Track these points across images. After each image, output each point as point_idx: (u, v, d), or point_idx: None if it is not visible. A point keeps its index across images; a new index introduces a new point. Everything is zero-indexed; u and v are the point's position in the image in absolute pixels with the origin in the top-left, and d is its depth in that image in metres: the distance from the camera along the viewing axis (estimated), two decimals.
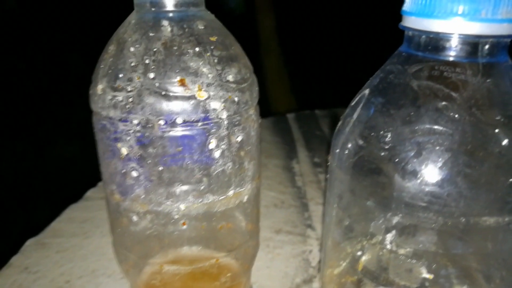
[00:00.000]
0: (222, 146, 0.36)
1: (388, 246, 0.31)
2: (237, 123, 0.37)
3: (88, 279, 0.54)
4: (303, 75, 2.09)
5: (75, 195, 0.75)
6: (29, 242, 0.62)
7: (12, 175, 1.61)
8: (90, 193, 0.76)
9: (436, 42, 0.27)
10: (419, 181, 0.27)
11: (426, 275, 0.32)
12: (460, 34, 0.26)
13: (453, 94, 0.27)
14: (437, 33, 0.27)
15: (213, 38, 0.36)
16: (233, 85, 0.36)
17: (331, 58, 2.08)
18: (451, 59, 0.27)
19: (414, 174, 0.27)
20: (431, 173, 0.27)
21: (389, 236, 0.31)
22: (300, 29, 2.07)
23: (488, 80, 0.27)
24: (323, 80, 2.11)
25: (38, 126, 1.78)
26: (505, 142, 0.26)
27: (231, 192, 0.38)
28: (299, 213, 0.71)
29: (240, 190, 0.38)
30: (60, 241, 0.62)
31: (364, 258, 0.34)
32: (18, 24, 1.86)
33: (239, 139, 0.37)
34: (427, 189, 0.27)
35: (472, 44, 0.26)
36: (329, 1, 2.01)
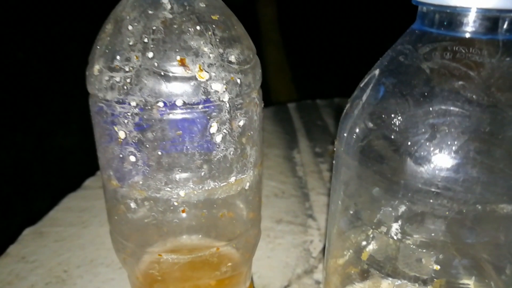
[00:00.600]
0: (224, 131, 0.35)
1: (396, 235, 0.30)
2: (239, 106, 0.35)
3: (86, 269, 0.54)
4: (304, 64, 2.08)
5: (74, 184, 0.74)
6: (27, 231, 0.61)
7: (11, 165, 1.60)
8: (88, 182, 0.76)
9: (452, 18, 0.26)
10: (432, 165, 0.25)
11: (433, 265, 0.31)
12: (479, 9, 0.24)
13: (471, 73, 0.25)
14: (454, 8, 0.25)
15: (215, 17, 0.35)
16: (236, 66, 0.34)
17: (332, 47, 2.07)
18: (468, 36, 0.25)
19: (428, 158, 0.25)
20: (446, 157, 0.25)
21: (398, 225, 0.30)
22: (301, 19, 2.06)
23: (508, 59, 0.25)
24: (324, 70, 2.09)
25: (37, 116, 1.77)
26: None
27: (232, 179, 0.36)
28: (300, 203, 0.70)
29: (242, 176, 0.37)
30: (58, 230, 0.61)
31: (369, 247, 0.33)
32: (15, 13, 1.84)
33: (241, 123, 0.36)
34: (441, 174, 0.25)
35: (492, 19, 0.25)
36: None
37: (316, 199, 0.71)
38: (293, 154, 0.88)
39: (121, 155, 0.34)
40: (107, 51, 0.33)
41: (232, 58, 0.34)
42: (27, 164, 1.63)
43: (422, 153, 0.26)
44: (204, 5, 0.35)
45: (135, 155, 0.34)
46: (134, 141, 0.34)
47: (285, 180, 0.78)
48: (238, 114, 0.35)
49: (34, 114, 1.78)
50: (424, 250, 0.29)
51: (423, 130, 0.26)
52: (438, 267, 0.31)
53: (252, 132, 0.37)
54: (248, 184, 0.38)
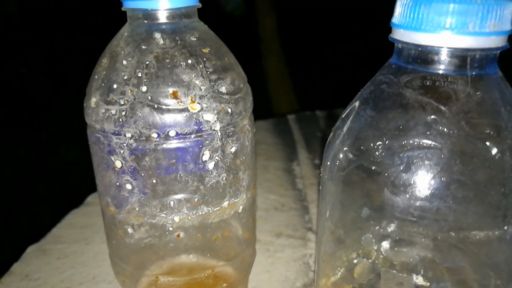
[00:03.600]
0: (216, 157, 0.36)
1: (379, 258, 0.31)
2: (231, 134, 0.37)
3: (89, 286, 0.54)
4: (305, 75, 2.09)
5: (76, 200, 0.75)
6: (30, 249, 0.62)
7: (14, 180, 1.61)
8: (90, 198, 0.76)
9: (425, 55, 0.27)
10: (408, 195, 0.27)
11: (422, 282, 0.32)
12: (448, 48, 0.26)
13: (442, 107, 0.26)
14: (426, 46, 0.27)
15: (206, 50, 0.36)
16: (226, 97, 0.36)
17: (332, 57, 2.08)
18: (440, 72, 0.27)
19: (404, 188, 0.27)
20: (420, 187, 0.27)
21: (381, 248, 0.31)
22: (301, 30, 2.07)
23: (477, 93, 0.27)
24: (325, 81, 2.10)
25: (40, 131, 1.78)
26: (494, 154, 0.26)
27: (225, 203, 0.38)
28: (300, 216, 0.70)
29: (235, 200, 0.39)
30: (61, 248, 0.62)
31: (357, 269, 0.34)
32: (19, 28, 1.87)
33: (233, 149, 0.37)
34: (416, 203, 0.27)
35: (461, 57, 0.26)
36: (330, 1, 2.00)
37: (316, 212, 0.71)
38: (293, 166, 0.89)
39: (117, 183, 0.36)
40: (103, 84, 0.35)
41: (223, 89, 0.36)
42: (30, 179, 1.64)
43: (398, 184, 0.27)
44: (195, 39, 0.36)
45: (131, 183, 0.36)
46: (129, 169, 0.35)
47: (285, 193, 0.78)
48: (230, 141, 0.37)
49: (36, 128, 1.79)
50: (404, 274, 0.30)
51: (398, 162, 0.27)
52: (428, 284, 0.32)
53: (244, 157, 0.39)
54: (241, 207, 0.39)
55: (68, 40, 1.88)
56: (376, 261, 0.32)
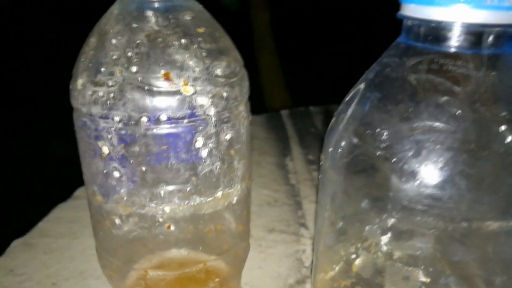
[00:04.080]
0: (210, 145, 0.34)
1: (383, 251, 0.29)
2: (226, 120, 0.35)
3: (76, 281, 0.53)
4: (298, 71, 2.08)
5: (64, 194, 0.73)
6: (15, 243, 0.61)
7: (1, 174, 1.59)
8: (79, 192, 0.75)
9: (437, 32, 0.25)
10: (417, 182, 0.25)
11: (423, 278, 0.31)
12: (463, 23, 0.24)
13: (455, 88, 0.25)
14: (439, 22, 0.25)
15: (201, 30, 0.34)
16: (222, 80, 0.34)
17: (326, 53, 2.07)
18: (453, 50, 0.25)
19: (413, 175, 0.25)
20: (431, 174, 0.25)
21: (384, 241, 0.29)
22: (295, 25, 2.06)
23: (493, 73, 0.25)
24: (318, 76, 2.10)
25: (29, 125, 1.76)
26: (510, 140, 0.24)
27: (219, 193, 0.36)
28: (293, 211, 0.70)
29: (229, 191, 0.37)
30: (47, 242, 0.61)
31: (357, 262, 0.32)
32: (11, 23, 1.84)
33: (228, 137, 0.35)
34: (426, 191, 0.25)
35: (477, 33, 0.24)
36: None
37: (309, 207, 0.71)
38: (286, 162, 0.88)
39: (105, 171, 0.34)
40: (90, 65, 0.33)
41: (218, 72, 0.34)
42: (17, 173, 1.62)
43: (407, 170, 0.25)
44: (190, 18, 0.34)
45: (119, 171, 0.34)
46: (118, 156, 0.33)
47: (278, 188, 0.78)
48: (224, 127, 0.35)
49: (25, 122, 1.77)
50: (410, 268, 0.29)
51: (408, 146, 0.25)
52: (428, 280, 0.30)
53: (239, 145, 0.37)
54: (235, 198, 0.38)
55: (60, 34, 1.85)
56: (377, 255, 0.30)
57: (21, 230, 0.63)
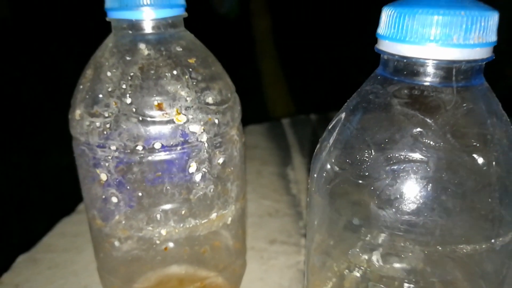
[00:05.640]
0: (203, 169, 0.36)
1: (368, 272, 0.31)
2: (218, 145, 0.36)
3: None
4: (300, 78, 2.08)
5: (68, 207, 0.74)
6: (21, 258, 0.62)
7: (5, 187, 1.60)
8: (82, 206, 0.76)
9: (410, 67, 0.27)
10: (394, 209, 0.26)
11: None
12: (433, 60, 0.26)
13: (428, 120, 0.26)
14: (411, 58, 0.26)
15: (192, 60, 0.36)
16: (213, 107, 0.36)
17: (328, 61, 2.07)
18: (426, 83, 0.27)
19: (390, 202, 0.27)
20: (406, 201, 0.26)
21: (369, 262, 0.30)
22: (296, 33, 2.06)
23: (463, 104, 0.26)
24: (320, 84, 2.10)
25: (32, 137, 1.77)
26: (480, 167, 0.26)
27: (214, 215, 0.37)
28: (294, 222, 0.70)
29: (223, 212, 0.38)
30: (52, 257, 0.62)
31: (345, 283, 0.34)
32: (12, 33, 1.86)
33: (221, 160, 0.37)
34: (403, 217, 0.26)
35: (446, 68, 0.26)
36: (325, 4, 2.00)
37: None
38: (287, 171, 0.88)
39: (103, 196, 0.36)
40: (87, 96, 0.35)
41: (210, 100, 0.35)
42: (21, 186, 1.63)
43: (384, 198, 0.27)
44: (181, 49, 0.36)
45: (116, 196, 0.35)
46: (115, 182, 0.35)
47: (279, 199, 0.78)
48: (217, 152, 0.36)
49: (28, 134, 1.78)
50: None
51: (384, 175, 0.27)
52: None
53: (232, 168, 0.38)
54: (230, 218, 0.39)
55: (61, 45, 1.87)
56: (365, 274, 0.32)
57: (26, 245, 0.64)
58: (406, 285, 0.31)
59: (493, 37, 0.26)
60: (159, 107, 0.34)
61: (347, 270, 0.33)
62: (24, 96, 1.86)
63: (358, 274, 0.32)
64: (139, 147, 0.34)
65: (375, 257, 0.30)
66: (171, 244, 0.38)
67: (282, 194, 0.79)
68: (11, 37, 1.86)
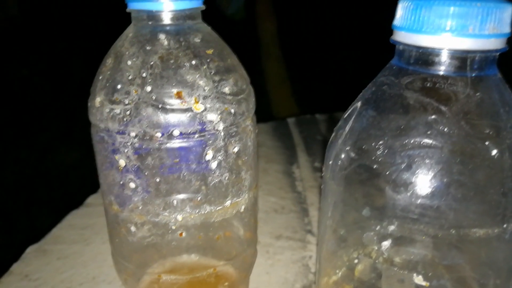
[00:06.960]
0: (219, 157, 0.37)
1: (382, 256, 0.32)
2: (233, 134, 0.37)
3: (89, 286, 0.54)
4: (305, 79, 2.09)
5: (76, 201, 0.75)
6: (30, 249, 0.62)
7: (14, 181, 1.61)
8: (90, 199, 0.76)
9: (425, 57, 0.28)
10: (409, 193, 0.27)
11: (422, 282, 0.33)
12: (448, 49, 0.27)
13: (443, 107, 0.27)
14: (427, 48, 0.27)
15: (210, 51, 0.37)
16: (230, 97, 0.37)
17: (332, 61, 2.08)
18: (440, 73, 0.28)
19: (405, 186, 0.27)
20: (421, 185, 0.27)
21: (383, 247, 0.31)
22: (301, 33, 2.08)
23: (477, 94, 0.27)
24: (325, 84, 2.11)
25: (41, 133, 1.79)
26: (493, 154, 0.27)
27: (228, 202, 0.38)
28: (299, 218, 0.71)
29: (237, 200, 0.39)
30: (61, 248, 0.62)
31: (359, 267, 0.35)
32: (20, 31, 1.87)
33: (236, 149, 0.38)
34: (417, 201, 0.27)
35: (461, 58, 0.27)
36: (330, 6, 2.01)
37: (315, 214, 0.71)
38: (293, 169, 0.89)
39: (121, 182, 0.36)
40: (107, 84, 0.36)
41: (226, 90, 0.36)
42: (30, 181, 1.64)
43: (399, 182, 0.28)
44: (199, 40, 0.37)
45: (134, 182, 0.36)
46: (133, 168, 0.36)
47: (285, 196, 0.79)
48: (232, 141, 0.37)
49: (37, 130, 1.79)
50: (406, 272, 0.31)
51: (400, 161, 0.28)
52: (428, 284, 0.32)
53: (246, 157, 0.39)
54: (243, 207, 0.40)
55: (69, 43, 1.88)
56: (377, 260, 0.32)
57: (35, 237, 0.65)
58: (415, 274, 0.32)
59: (507, 29, 0.27)
60: (178, 96, 0.34)
61: (359, 257, 0.34)
62: (32, 94, 1.87)
63: (370, 261, 0.33)
64: (158, 134, 0.34)
65: (389, 242, 0.30)
66: (185, 230, 0.38)
67: (288, 192, 0.80)
68: (19, 35, 1.88)
